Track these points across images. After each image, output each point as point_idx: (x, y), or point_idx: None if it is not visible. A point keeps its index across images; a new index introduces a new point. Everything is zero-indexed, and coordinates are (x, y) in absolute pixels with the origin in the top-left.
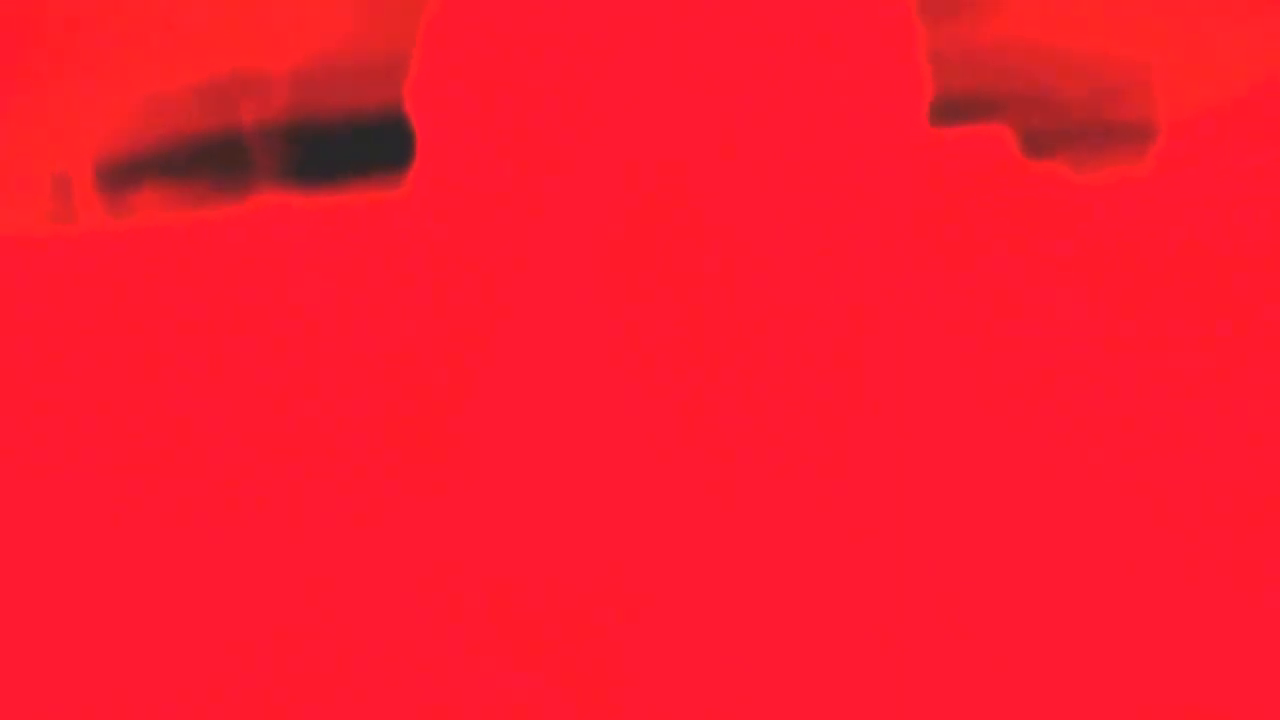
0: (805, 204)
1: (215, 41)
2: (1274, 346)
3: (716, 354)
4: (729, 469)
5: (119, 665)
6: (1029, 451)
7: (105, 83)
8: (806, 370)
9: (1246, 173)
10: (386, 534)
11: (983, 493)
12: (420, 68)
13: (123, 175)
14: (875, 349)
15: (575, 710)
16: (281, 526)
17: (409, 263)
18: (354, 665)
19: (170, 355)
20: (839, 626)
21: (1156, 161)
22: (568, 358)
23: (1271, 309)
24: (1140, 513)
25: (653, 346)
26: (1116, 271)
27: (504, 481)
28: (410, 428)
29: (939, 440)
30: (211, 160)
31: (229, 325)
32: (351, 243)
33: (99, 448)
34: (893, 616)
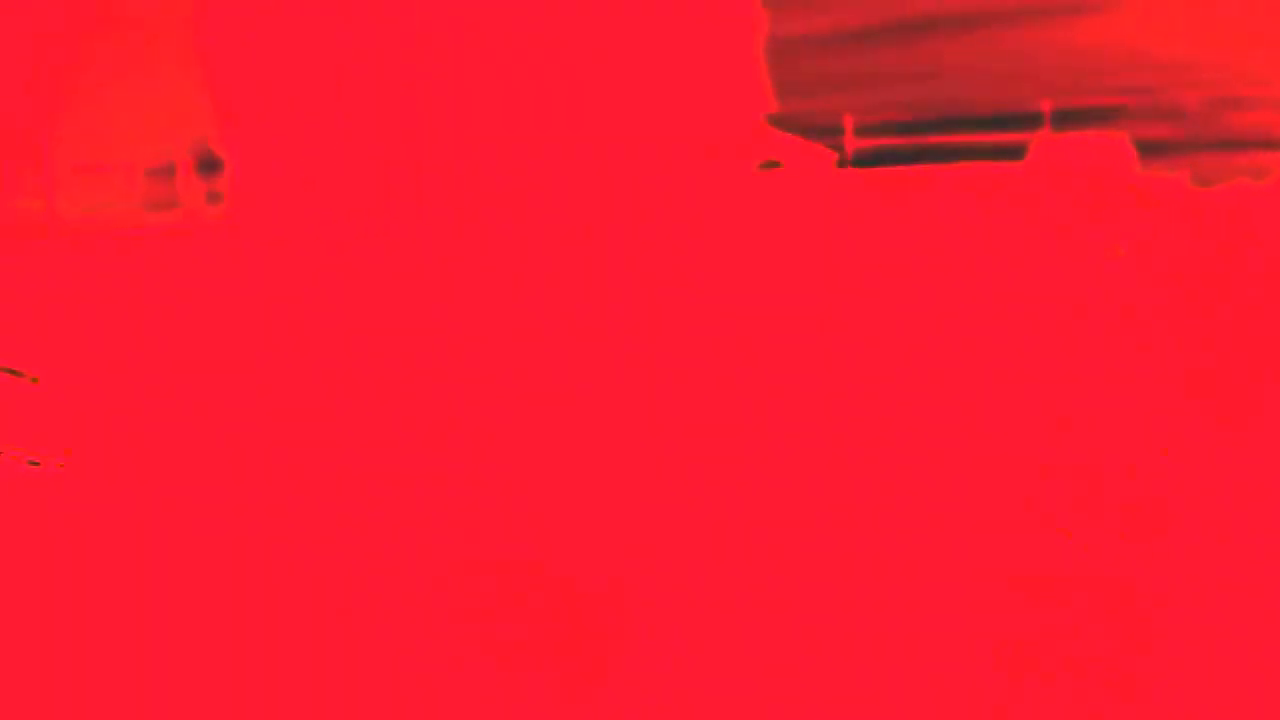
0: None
1: None
2: None
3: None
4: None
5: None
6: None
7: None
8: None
9: None
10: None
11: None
12: (221, 105)
13: (221, 165)
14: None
15: (569, 707)
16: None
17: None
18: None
19: (269, 337)
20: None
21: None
22: (383, 364)
23: None
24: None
25: (473, 351)
26: (1233, 281)
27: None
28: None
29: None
30: None
31: (330, 310)
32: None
33: (182, 424)
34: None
